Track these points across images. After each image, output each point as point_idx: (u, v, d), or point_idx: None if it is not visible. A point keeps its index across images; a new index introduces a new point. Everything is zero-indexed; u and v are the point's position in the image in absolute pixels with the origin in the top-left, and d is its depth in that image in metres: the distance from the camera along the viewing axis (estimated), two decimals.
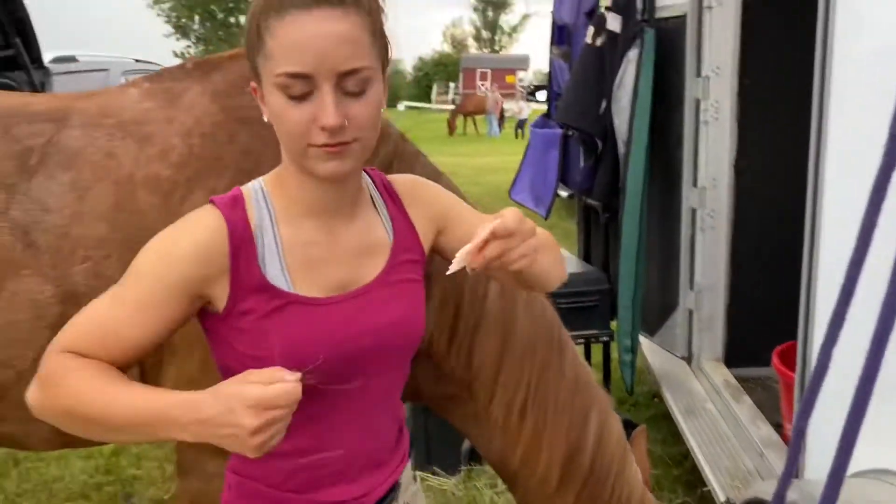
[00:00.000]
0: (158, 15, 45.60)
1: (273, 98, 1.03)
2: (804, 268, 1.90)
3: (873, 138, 1.26)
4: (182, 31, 46.55)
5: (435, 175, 1.63)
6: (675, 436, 2.99)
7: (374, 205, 1.17)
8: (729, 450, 2.48)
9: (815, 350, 1.89)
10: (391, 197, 1.18)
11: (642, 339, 3.26)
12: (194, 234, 1.07)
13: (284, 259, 1.08)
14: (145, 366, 1.51)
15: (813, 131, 1.80)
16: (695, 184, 2.91)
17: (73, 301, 1.42)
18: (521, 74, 46.66)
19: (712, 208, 2.92)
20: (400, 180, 1.22)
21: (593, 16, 3.06)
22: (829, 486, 1.16)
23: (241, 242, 1.06)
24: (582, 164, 3.14)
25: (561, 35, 3.58)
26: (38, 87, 4.20)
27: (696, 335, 3.06)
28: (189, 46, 46.72)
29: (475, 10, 66.50)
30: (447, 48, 66.38)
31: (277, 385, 0.89)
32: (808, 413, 1.45)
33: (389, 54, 1.08)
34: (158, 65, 6.39)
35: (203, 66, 1.62)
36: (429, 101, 43.83)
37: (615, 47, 2.93)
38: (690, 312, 3.04)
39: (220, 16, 46.51)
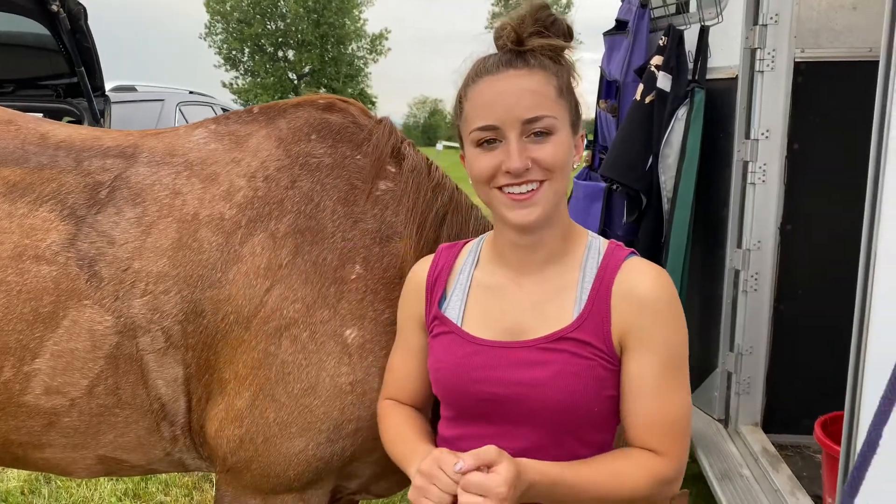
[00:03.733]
0: (210, 46, 47.03)
1: (469, 154, 1.17)
2: (853, 338, 1.87)
3: None
4: (232, 62, 47.84)
5: (487, 228, 1.66)
6: (707, 499, 2.92)
7: (583, 272, 1.19)
8: None
9: (862, 423, 1.85)
10: (606, 274, 1.18)
11: None
12: (408, 278, 1.37)
13: (467, 297, 1.25)
14: (192, 401, 1.53)
15: (868, 197, 1.79)
16: (739, 245, 2.90)
17: (130, 333, 1.46)
18: None
19: (756, 271, 2.90)
20: (638, 269, 1.19)
21: (643, 72, 3.09)
22: None
23: (437, 279, 1.29)
24: (625, 219, 3.14)
25: (609, 89, 3.61)
26: (99, 115, 4.37)
27: (734, 398, 3.01)
28: (237, 77, 47.99)
29: None
30: None
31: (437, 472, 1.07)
32: (855, 490, 1.42)
33: (579, 113, 1.18)
34: (211, 96, 6.59)
35: (268, 111, 1.68)
36: None
37: (664, 105, 2.95)
38: (729, 375, 3.00)
39: (270, 49, 47.74)
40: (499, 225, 1.23)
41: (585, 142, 1.21)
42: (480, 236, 1.34)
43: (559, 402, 1.14)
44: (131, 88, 5.17)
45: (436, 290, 1.29)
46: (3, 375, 1.45)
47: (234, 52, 47.70)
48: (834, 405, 2.53)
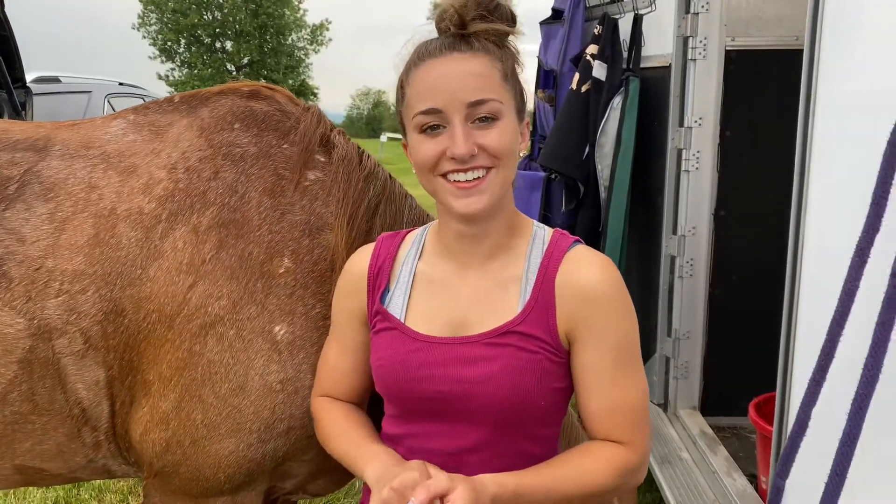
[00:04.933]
0: (144, 37, 45.57)
1: (412, 141, 1.12)
2: (783, 322, 1.91)
3: (856, 191, 1.28)
4: (167, 53, 46.47)
5: (422, 218, 1.62)
6: (649, 483, 2.96)
7: (527, 263, 1.15)
8: (704, 500, 2.46)
9: (793, 405, 1.89)
10: (549, 264, 1.15)
11: None
12: (345, 270, 1.32)
13: (410, 291, 1.21)
14: (115, 404, 1.46)
15: (795, 181, 1.82)
16: (674, 231, 2.94)
17: (45, 336, 1.38)
18: None
19: (691, 256, 2.94)
20: (581, 258, 1.16)
21: (579, 62, 3.10)
22: None
23: (380, 272, 1.24)
24: (563, 207, 3.15)
25: (546, 79, 3.62)
26: (20, 108, 4.15)
27: (672, 382, 3.06)
28: (173, 69, 46.67)
29: None
30: None
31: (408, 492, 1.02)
32: (786, 471, 1.44)
33: (524, 99, 1.14)
34: (143, 88, 6.37)
35: (190, 100, 1.61)
36: None
37: (600, 94, 2.97)
38: (667, 359, 3.04)
39: (207, 40, 46.57)
40: (443, 215, 1.19)
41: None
42: (424, 226, 1.29)
43: (505, 398, 1.11)
44: (55, 80, 4.93)
45: (378, 283, 1.24)
46: None
47: (169, 43, 46.35)
48: (767, 387, 2.59)
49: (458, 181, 1.10)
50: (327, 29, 48.54)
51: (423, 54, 1.12)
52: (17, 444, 1.46)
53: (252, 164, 1.50)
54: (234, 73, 46.12)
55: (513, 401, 1.12)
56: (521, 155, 1.16)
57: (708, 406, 3.05)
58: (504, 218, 1.17)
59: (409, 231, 1.31)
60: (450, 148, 1.08)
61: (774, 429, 1.94)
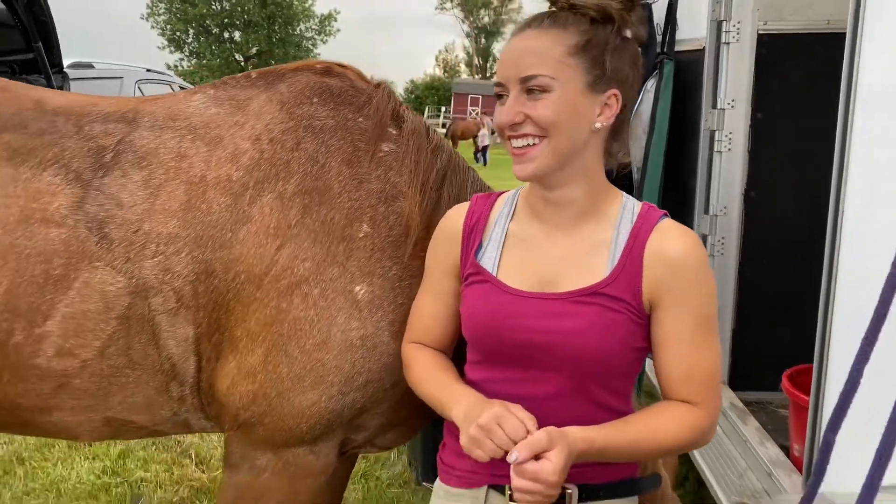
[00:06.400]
0: (153, 27, 45.69)
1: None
2: (822, 292, 2.00)
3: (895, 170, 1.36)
4: (176, 43, 46.59)
5: (484, 188, 1.71)
6: (682, 455, 3.06)
7: (617, 231, 1.24)
8: (737, 469, 2.55)
9: (832, 371, 1.98)
10: (639, 234, 1.23)
11: (648, 360, 3.34)
12: (441, 225, 1.41)
13: (502, 248, 1.30)
14: (201, 360, 1.56)
15: (835, 162, 1.91)
16: (706, 211, 3.02)
17: (142, 294, 1.48)
18: None
19: (722, 235, 3.02)
20: (670, 231, 1.24)
21: None
22: (864, 498, 1.23)
23: (474, 229, 1.34)
24: None
25: None
26: None
27: None
28: (182, 59, 46.79)
29: (468, 36, 67.32)
30: (439, 73, 67.02)
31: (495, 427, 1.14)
32: (837, 426, 1.53)
33: (605, 70, 1.20)
34: (168, 75, 6.47)
35: (267, 76, 1.70)
36: None
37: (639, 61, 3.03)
38: None
39: (215, 31, 46.65)
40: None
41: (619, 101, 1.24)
42: (516, 189, 1.38)
43: (590, 351, 1.20)
44: (89, 65, 5.03)
45: (472, 238, 1.34)
46: (14, 338, 1.46)
47: (178, 34, 46.46)
48: (795, 362, 2.68)
49: (514, 147, 1.22)
50: (335, 19, 48.57)
51: (514, 29, 1.24)
52: (110, 397, 1.56)
53: (331, 135, 1.59)
54: (243, 63, 46.22)
55: (596, 354, 1.21)
56: (598, 126, 1.23)
57: (736, 380, 3.14)
58: (584, 185, 1.25)
59: (502, 193, 1.40)
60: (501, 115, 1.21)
61: (812, 393, 2.03)
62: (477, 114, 36.69)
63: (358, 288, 1.51)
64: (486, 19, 66.86)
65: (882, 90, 1.84)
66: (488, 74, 65.96)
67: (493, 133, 24.41)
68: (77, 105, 1.62)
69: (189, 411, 1.64)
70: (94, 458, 3.44)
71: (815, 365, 2.05)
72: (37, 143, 1.52)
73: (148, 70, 6.06)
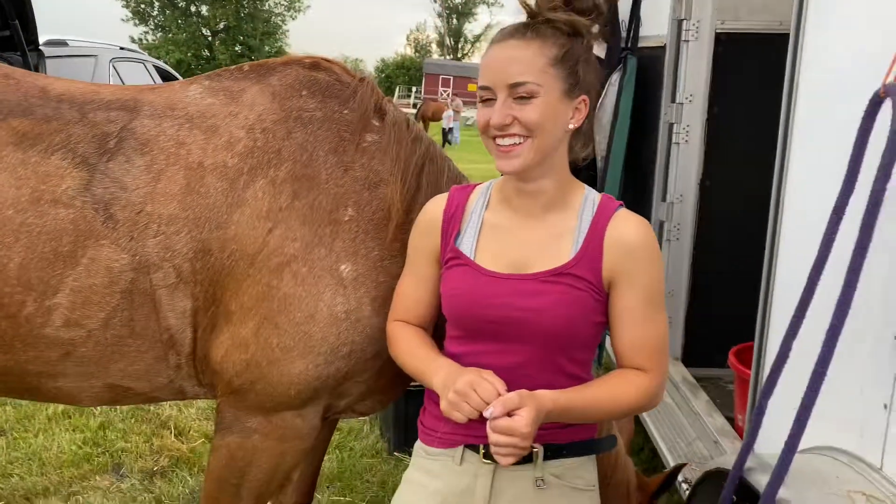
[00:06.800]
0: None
1: (478, 106, 1.40)
2: (763, 275, 2.19)
3: (832, 161, 1.54)
4: (140, 16, 45.62)
5: (459, 178, 1.87)
6: (637, 424, 3.27)
7: (580, 219, 1.40)
8: (686, 437, 2.77)
9: (770, 348, 2.18)
10: (599, 222, 1.40)
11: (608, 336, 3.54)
12: (422, 215, 1.56)
13: (479, 235, 1.45)
14: (197, 331, 1.70)
15: (777, 154, 2.10)
16: (664, 199, 3.21)
17: (144, 270, 1.61)
18: None
19: (678, 222, 3.23)
20: (625, 219, 1.42)
21: None
22: (784, 456, 1.42)
23: (452, 218, 1.49)
24: None
25: None
26: (33, 70, 4.26)
27: None
28: (147, 33, 45.84)
29: (439, 16, 66.95)
30: (410, 52, 66.61)
31: (470, 392, 1.30)
32: (769, 393, 1.73)
33: (578, 78, 1.36)
34: (141, 53, 6.48)
35: (258, 69, 1.83)
36: None
37: (599, 71, 3.21)
38: None
39: (181, 4, 45.75)
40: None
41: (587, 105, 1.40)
42: (489, 182, 1.54)
43: (556, 325, 1.37)
44: (63, 43, 5.02)
45: (451, 226, 1.49)
46: (26, 309, 1.58)
47: (143, 6, 45.47)
48: (741, 339, 2.90)
49: (499, 145, 1.37)
50: None
51: (494, 38, 1.39)
52: (112, 365, 1.69)
53: (319, 126, 1.73)
54: (210, 37, 45.48)
55: (562, 328, 1.38)
56: (571, 127, 1.39)
57: (689, 357, 3.36)
58: (555, 179, 1.42)
59: (476, 185, 1.57)
60: (491, 117, 1.35)
61: (753, 367, 2.24)
62: (448, 94, 36.70)
63: (343, 266, 1.66)
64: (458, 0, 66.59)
65: (822, 89, 2.02)
66: (459, 55, 65.78)
67: (457, 114, 24.47)
68: (79, 93, 1.73)
69: (184, 379, 1.77)
70: (73, 430, 3.54)
71: (755, 342, 2.25)
72: (44, 129, 1.64)
73: (121, 48, 6.06)
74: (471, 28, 67.38)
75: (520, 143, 1.35)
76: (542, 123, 1.35)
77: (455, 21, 67.07)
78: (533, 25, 1.37)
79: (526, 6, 1.37)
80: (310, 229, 1.65)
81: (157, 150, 1.66)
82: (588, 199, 1.45)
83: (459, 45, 67.31)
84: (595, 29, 1.41)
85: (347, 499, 3.07)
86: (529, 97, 1.34)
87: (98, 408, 3.72)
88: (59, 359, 1.65)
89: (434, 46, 67.93)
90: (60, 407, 3.72)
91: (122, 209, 1.61)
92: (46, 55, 4.64)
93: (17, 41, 4.30)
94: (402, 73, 56.74)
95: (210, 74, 1.86)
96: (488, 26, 65.55)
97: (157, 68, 6.62)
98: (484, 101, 1.38)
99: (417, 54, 64.94)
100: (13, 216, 1.56)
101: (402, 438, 3.41)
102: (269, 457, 1.76)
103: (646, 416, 2.97)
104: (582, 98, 1.40)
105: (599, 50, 3.22)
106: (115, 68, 5.42)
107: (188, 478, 3.19)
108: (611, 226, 1.40)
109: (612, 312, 1.42)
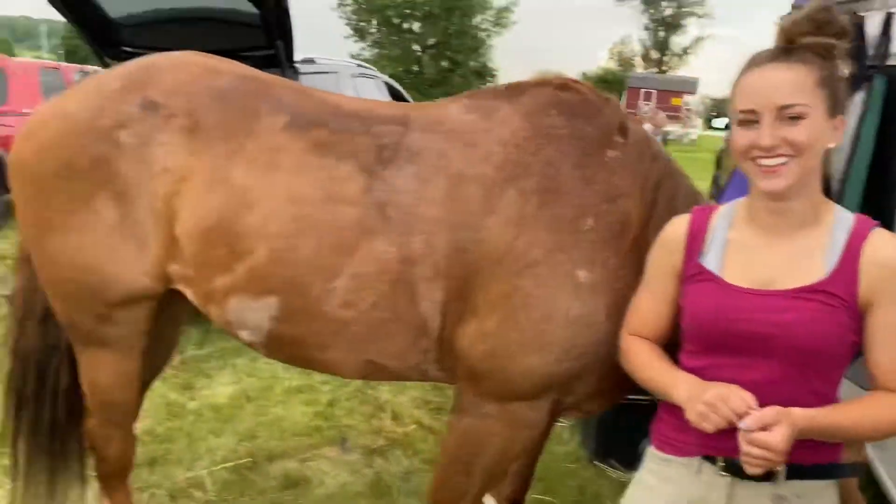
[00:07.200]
0: (340, 17, 48.47)
1: (734, 130, 1.45)
2: None
3: None
4: (360, 33, 49.16)
5: (695, 194, 1.94)
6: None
7: (833, 237, 1.44)
8: None
9: None
10: (854, 241, 1.42)
11: None
12: (664, 234, 1.64)
13: (724, 253, 1.51)
14: (446, 321, 1.91)
15: None
16: None
17: (409, 263, 1.85)
18: (687, 98, 45.39)
19: None
20: (884, 239, 1.43)
21: None
22: None
23: (696, 236, 1.56)
24: None
25: None
26: None
27: None
28: (364, 49, 49.28)
29: (646, 28, 65.35)
30: (612, 66, 65.61)
31: (720, 404, 1.37)
32: None
33: (838, 98, 1.41)
34: (373, 69, 7.08)
35: (513, 89, 2.02)
36: None
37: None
38: None
39: (396, 21, 48.63)
40: (755, 192, 1.49)
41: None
42: (731, 202, 1.59)
43: (810, 342, 1.39)
44: (311, 61, 5.65)
45: (695, 245, 1.56)
46: (314, 290, 1.88)
47: (362, 24, 48.92)
48: None
49: (763, 165, 1.41)
50: (512, 11, 48.97)
51: (751, 63, 1.45)
52: (373, 344, 1.96)
53: (565, 143, 1.88)
54: (420, 53, 47.92)
55: (814, 345, 1.39)
56: (831, 146, 1.42)
57: None
58: (808, 198, 1.45)
59: (716, 206, 1.63)
60: (757, 140, 1.40)
61: None
62: (648, 108, 35.66)
63: (580, 272, 1.79)
64: (668, 12, 64.56)
65: None
66: (664, 68, 63.70)
67: (657, 129, 23.65)
68: (363, 110, 2.03)
69: (430, 362, 2.00)
70: (308, 403, 4.00)
71: None
72: (336, 139, 1.94)
73: (358, 65, 6.70)
74: (678, 41, 65.06)
75: (785, 164, 1.39)
76: (810, 144, 1.38)
77: (662, 33, 65.09)
78: (789, 49, 1.42)
79: (782, 33, 1.42)
80: (552, 236, 1.80)
81: (425, 160, 1.90)
82: (842, 218, 1.46)
83: (665, 58, 65.21)
84: (844, 51, 1.43)
85: (549, 498, 3.19)
86: (798, 118, 1.38)
87: (327, 386, 4.18)
88: (332, 334, 1.94)
89: (638, 60, 66.44)
90: (295, 381, 4.22)
91: (395, 210, 1.86)
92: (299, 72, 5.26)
93: (280, 60, 4.90)
94: (604, 88, 55.84)
95: (469, 93, 2.08)
96: (698, 38, 62.91)
97: (387, 84, 7.20)
98: (743, 123, 1.43)
99: (621, 68, 63.83)
100: (312, 212, 1.87)
101: (603, 449, 3.47)
102: (500, 440, 1.93)
103: (870, 449, 2.79)
104: (840, 117, 1.43)
105: (843, 69, 3.08)
106: (354, 84, 5.99)
107: (403, 459, 3.48)
108: (868, 245, 1.40)
109: (869, 332, 1.41)
